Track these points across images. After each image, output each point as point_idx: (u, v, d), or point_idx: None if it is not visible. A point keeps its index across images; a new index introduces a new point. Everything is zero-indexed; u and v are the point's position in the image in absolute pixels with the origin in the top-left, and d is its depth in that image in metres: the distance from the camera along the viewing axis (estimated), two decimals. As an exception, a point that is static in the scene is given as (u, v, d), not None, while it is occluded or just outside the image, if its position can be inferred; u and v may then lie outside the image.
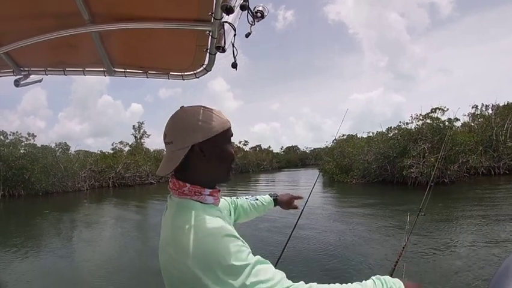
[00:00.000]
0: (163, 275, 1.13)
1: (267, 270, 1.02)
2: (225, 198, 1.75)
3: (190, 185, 1.17)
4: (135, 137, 54.71)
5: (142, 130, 55.26)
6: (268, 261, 1.06)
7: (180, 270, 1.02)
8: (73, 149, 43.07)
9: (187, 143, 1.15)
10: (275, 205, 2.08)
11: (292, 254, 7.96)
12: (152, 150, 50.99)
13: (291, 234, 2.87)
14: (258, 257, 1.05)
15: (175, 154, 1.16)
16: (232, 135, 1.26)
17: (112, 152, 47.94)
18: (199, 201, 1.16)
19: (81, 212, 20.79)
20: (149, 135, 55.97)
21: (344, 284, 1.10)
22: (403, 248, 2.93)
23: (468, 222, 10.87)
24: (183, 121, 1.18)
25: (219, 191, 1.25)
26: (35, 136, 38.97)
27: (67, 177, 36.39)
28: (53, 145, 39.75)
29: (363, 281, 1.17)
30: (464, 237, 9.15)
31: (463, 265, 7.13)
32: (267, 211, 2.05)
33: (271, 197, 2.07)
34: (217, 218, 1.10)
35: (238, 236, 1.07)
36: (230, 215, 1.70)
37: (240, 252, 1.01)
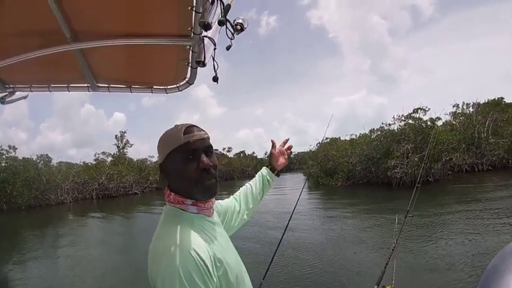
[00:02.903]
0: None
1: None
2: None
3: (174, 194, 1.24)
4: (118, 147, 53.72)
5: (124, 140, 54.26)
6: None
7: (151, 270, 1.08)
8: (55, 161, 42.23)
9: (158, 163, 1.28)
10: (274, 172, 1.97)
11: (281, 259, 7.99)
12: (135, 160, 49.95)
13: (280, 240, 2.92)
14: None
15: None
16: (195, 150, 1.20)
17: (94, 163, 47.06)
18: (183, 210, 1.23)
19: (65, 226, 20.34)
20: (132, 145, 54.73)
21: None
22: (393, 249, 2.99)
23: (455, 220, 11.01)
24: (158, 143, 1.27)
25: (208, 202, 1.28)
26: (16, 148, 38.05)
27: (49, 190, 35.42)
28: (34, 157, 38.91)
29: None
30: (452, 235, 9.25)
31: (452, 263, 7.20)
32: (271, 182, 1.94)
33: (266, 167, 1.98)
34: (194, 232, 1.15)
35: (210, 252, 1.11)
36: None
37: (197, 276, 1.03)
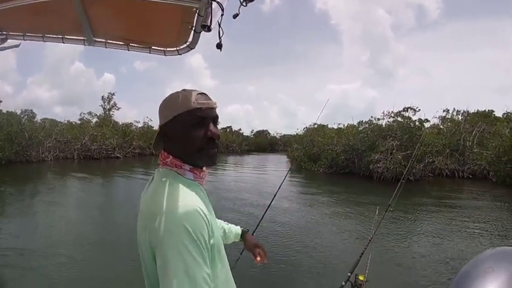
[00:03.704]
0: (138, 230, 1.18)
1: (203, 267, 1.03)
2: None
3: (172, 157, 1.23)
4: (104, 108, 52.82)
5: (112, 102, 53.38)
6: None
7: (150, 230, 1.06)
8: (39, 117, 41.51)
9: (159, 124, 1.26)
10: (241, 239, 1.97)
11: (259, 239, 8.05)
12: (121, 123, 49.11)
13: (259, 222, 2.93)
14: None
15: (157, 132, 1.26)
16: (204, 117, 1.22)
17: (79, 122, 46.25)
18: (180, 174, 1.22)
19: (45, 184, 20.04)
20: (119, 108, 53.93)
21: None
22: (369, 240, 3.04)
23: (431, 221, 11.23)
24: (162, 103, 1.27)
25: (203, 171, 1.28)
26: (1, 101, 37.42)
27: (31, 146, 34.65)
28: (18, 112, 38.30)
29: None
30: (427, 234, 9.47)
31: (424, 261, 7.39)
32: (230, 241, 1.92)
33: (241, 229, 1.98)
34: (193, 193, 1.15)
35: (209, 216, 1.12)
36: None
37: (204, 233, 1.05)
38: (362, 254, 2.86)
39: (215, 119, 1.26)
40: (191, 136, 1.20)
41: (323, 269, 6.93)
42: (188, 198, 1.10)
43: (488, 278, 1.63)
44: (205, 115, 1.21)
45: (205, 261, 1.03)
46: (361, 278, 2.63)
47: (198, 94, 1.22)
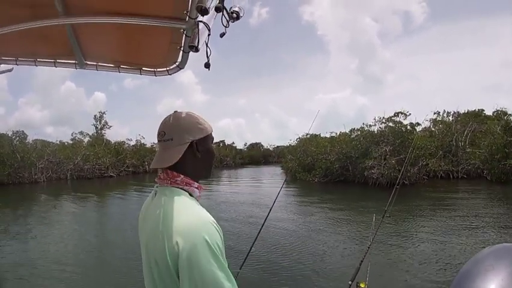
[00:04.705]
0: (144, 249, 1.22)
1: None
2: None
3: (183, 176, 1.29)
4: (96, 127, 52.62)
5: (103, 120, 53.20)
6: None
7: (171, 250, 1.09)
8: (31, 138, 41.23)
9: (187, 139, 1.29)
10: None
11: (258, 250, 8.04)
12: (113, 142, 48.91)
13: (258, 232, 2.94)
14: None
15: (176, 149, 1.28)
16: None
17: (71, 142, 46.06)
18: (188, 192, 1.28)
19: (38, 205, 19.86)
20: (110, 126, 53.68)
21: None
22: (368, 247, 3.05)
23: (428, 223, 11.26)
24: (184, 121, 1.32)
25: (202, 188, 1.36)
26: (-9, 122, 37.22)
27: (23, 167, 34.58)
28: (10, 133, 38.10)
29: None
30: (425, 238, 9.47)
31: (425, 265, 7.37)
32: None
33: None
34: (202, 208, 1.23)
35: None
36: None
37: (221, 246, 1.13)
38: (362, 261, 2.87)
39: None
40: (213, 152, 1.41)
41: (324, 278, 6.90)
42: (206, 216, 1.17)
43: (489, 276, 1.65)
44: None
45: (228, 274, 1.10)
46: (362, 285, 2.64)
47: None
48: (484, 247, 1.92)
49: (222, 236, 1.16)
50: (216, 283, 1.06)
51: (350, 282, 2.75)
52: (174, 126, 1.31)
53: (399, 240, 9.27)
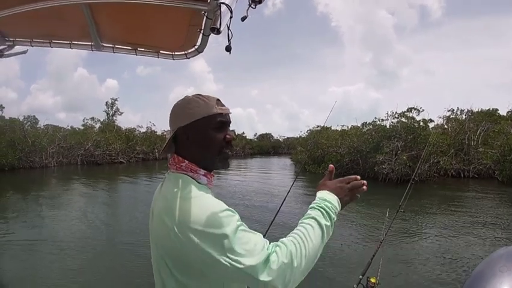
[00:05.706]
0: (152, 245, 1.22)
1: (253, 239, 1.11)
2: None
3: (187, 162, 1.26)
4: (107, 114, 53.31)
5: (115, 107, 53.90)
6: (255, 232, 1.15)
7: (176, 238, 1.07)
8: (42, 123, 42.06)
9: (174, 126, 1.28)
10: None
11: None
12: (124, 128, 49.56)
13: (270, 225, 2.92)
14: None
15: (169, 136, 1.28)
16: (224, 122, 1.28)
17: (82, 128, 46.74)
18: (193, 179, 1.23)
19: (48, 190, 20.19)
20: (122, 113, 54.52)
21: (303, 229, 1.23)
22: (381, 242, 3.01)
23: (440, 221, 11.22)
24: (176, 107, 1.30)
25: (212, 175, 1.32)
26: (4, 108, 37.79)
27: (34, 152, 35.22)
28: (21, 118, 38.62)
29: (309, 214, 1.30)
30: (439, 234, 9.45)
31: (437, 264, 7.34)
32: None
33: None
34: (211, 196, 1.19)
35: (232, 210, 1.15)
36: None
37: (232, 222, 1.09)
38: (373, 256, 2.83)
39: (230, 124, 1.33)
40: (212, 139, 1.26)
41: (334, 272, 6.90)
42: (215, 202, 1.14)
43: (503, 277, 1.61)
44: (225, 120, 1.29)
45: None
46: (373, 280, 2.61)
47: (217, 100, 1.29)
48: (497, 249, 1.86)
49: (235, 219, 1.11)
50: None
51: (360, 277, 2.73)
52: (171, 113, 1.31)
53: (412, 237, 9.25)
